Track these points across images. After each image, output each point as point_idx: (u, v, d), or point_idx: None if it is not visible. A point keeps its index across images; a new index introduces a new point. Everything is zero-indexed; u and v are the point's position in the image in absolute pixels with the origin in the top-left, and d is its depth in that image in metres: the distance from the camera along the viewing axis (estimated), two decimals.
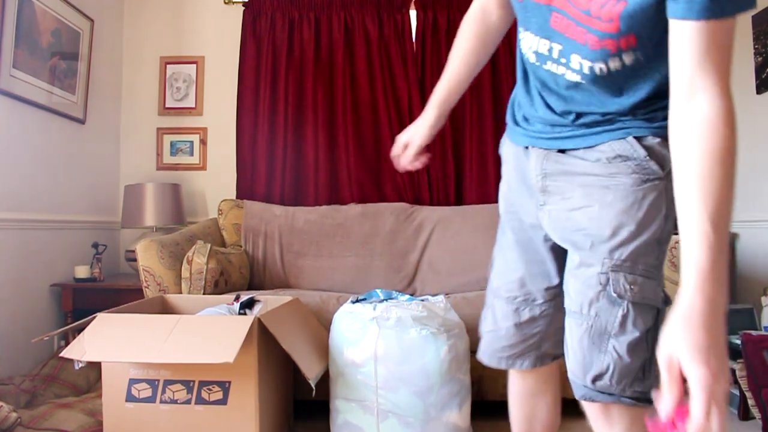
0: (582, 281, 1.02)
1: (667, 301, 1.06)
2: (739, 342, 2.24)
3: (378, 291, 2.08)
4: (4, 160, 2.50)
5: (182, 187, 3.31)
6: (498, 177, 3.22)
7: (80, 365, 1.72)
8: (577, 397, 1.05)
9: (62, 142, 2.92)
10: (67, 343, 2.40)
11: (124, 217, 3.14)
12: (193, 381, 1.77)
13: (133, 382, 1.79)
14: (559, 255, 1.13)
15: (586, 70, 0.95)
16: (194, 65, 3.48)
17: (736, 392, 2.32)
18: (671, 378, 0.75)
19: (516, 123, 1.17)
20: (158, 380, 1.78)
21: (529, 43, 1.05)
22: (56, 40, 2.81)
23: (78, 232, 3.03)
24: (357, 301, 2.00)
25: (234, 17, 3.43)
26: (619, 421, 1.01)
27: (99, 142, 3.25)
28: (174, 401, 1.77)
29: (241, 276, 2.72)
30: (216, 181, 3.44)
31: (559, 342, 1.13)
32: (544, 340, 1.18)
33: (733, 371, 2.27)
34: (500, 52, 3.34)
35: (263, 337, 1.77)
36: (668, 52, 0.83)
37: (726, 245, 0.79)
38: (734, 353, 2.30)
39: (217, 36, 3.48)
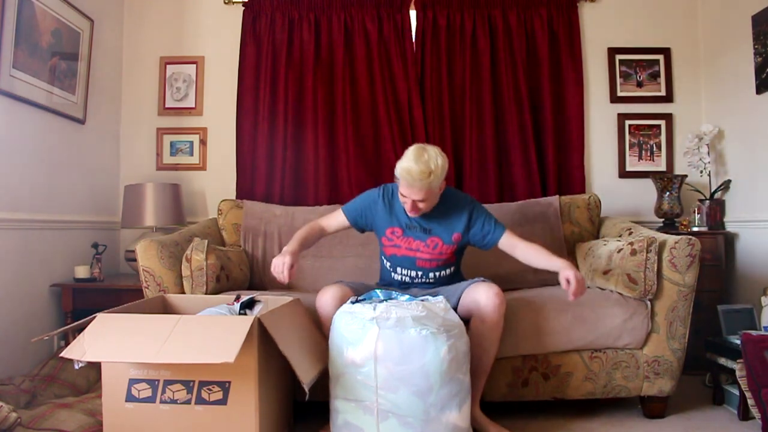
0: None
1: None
2: (739, 342, 2.24)
3: (378, 291, 2.08)
4: (4, 160, 2.50)
5: (182, 187, 3.32)
6: (497, 178, 3.30)
7: (80, 365, 1.72)
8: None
9: (62, 142, 2.92)
10: (67, 343, 2.40)
11: (124, 217, 3.14)
12: (193, 381, 1.77)
13: (133, 382, 1.79)
14: None
15: (438, 276, 2.32)
16: (194, 65, 3.48)
17: (736, 392, 2.32)
18: (570, 281, 2.00)
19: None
20: (158, 380, 1.78)
21: (404, 273, 2.32)
22: (56, 40, 2.81)
23: (78, 232, 3.03)
24: (357, 301, 2.00)
25: (234, 17, 3.43)
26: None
27: (99, 142, 3.25)
28: (174, 401, 1.77)
29: (242, 272, 2.72)
30: (216, 181, 3.44)
31: None
32: None
33: (733, 371, 2.27)
34: (500, 54, 3.34)
35: (263, 338, 1.77)
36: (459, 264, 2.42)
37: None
38: (734, 353, 2.30)
39: (217, 36, 3.48)
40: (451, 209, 2.26)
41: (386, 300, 2.02)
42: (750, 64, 2.96)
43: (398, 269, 2.32)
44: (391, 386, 1.81)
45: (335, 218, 2.36)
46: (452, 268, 2.33)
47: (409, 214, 2.22)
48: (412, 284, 2.32)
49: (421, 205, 2.14)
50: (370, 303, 1.95)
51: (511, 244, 2.23)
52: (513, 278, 2.82)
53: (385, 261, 2.37)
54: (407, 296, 2.08)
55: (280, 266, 2.07)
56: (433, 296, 2.11)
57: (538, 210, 2.97)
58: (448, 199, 2.26)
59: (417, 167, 2.04)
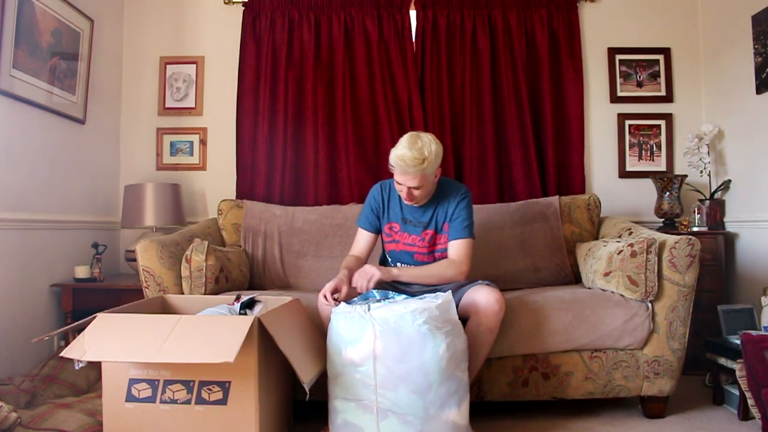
0: None
1: None
2: (739, 342, 2.24)
3: (374, 291, 2.08)
4: (4, 160, 2.50)
5: (182, 187, 3.32)
6: (497, 178, 3.28)
7: (80, 365, 1.72)
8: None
9: (62, 142, 2.92)
10: (67, 343, 2.40)
11: (124, 217, 3.14)
12: (193, 381, 1.77)
13: (133, 382, 1.79)
14: None
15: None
16: (194, 65, 3.48)
17: (736, 392, 2.32)
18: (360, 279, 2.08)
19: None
20: (158, 380, 1.78)
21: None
22: (56, 40, 2.81)
23: (78, 232, 3.03)
24: (353, 301, 1.99)
25: (234, 17, 3.44)
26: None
27: (99, 142, 3.25)
28: (174, 401, 1.77)
29: (241, 273, 2.72)
30: (216, 181, 3.44)
31: None
32: None
33: (733, 371, 2.27)
34: (500, 54, 3.34)
35: (263, 338, 1.77)
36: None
37: (406, 279, 2.19)
38: (734, 353, 2.30)
39: (217, 36, 3.48)
40: (444, 200, 2.27)
41: (383, 299, 2.02)
42: (750, 64, 2.96)
43: (398, 265, 2.32)
44: (390, 385, 1.81)
45: (360, 239, 2.36)
46: None
47: (405, 202, 2.23)
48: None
49: (416, 192, 2.15)
50: (367, 302, 1.95)
51: (450, 250, 2.23)
52: (514, 278, 2.82)
53: (387, 257, 2.38)
54: (403, 295, 2.08)
55: (326, 291, 2.04)
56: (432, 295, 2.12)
57: (537, 210, 2.97)
58: (443, 190, 2.29)
59: (410, 154, 2.06)
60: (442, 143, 3.27)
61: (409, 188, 2.14)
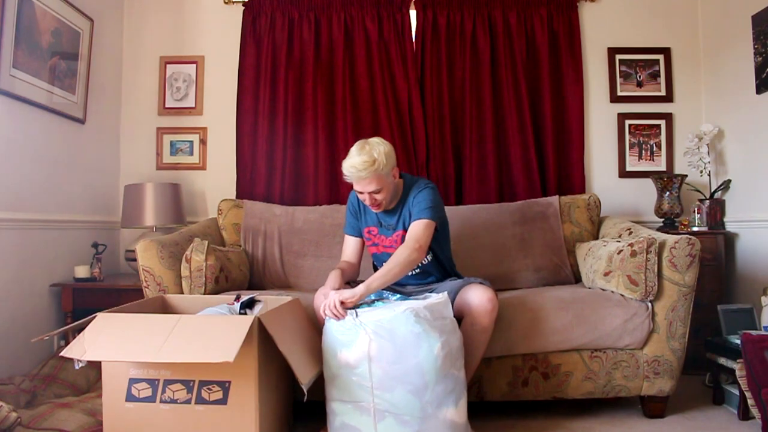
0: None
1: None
2: (739, 342, 2.24)
3: None
4: (4, 160, 2.50)
5: (182, 186, 3.32)
6: (497, 178, 3.28)
7: (80, 365, 1.72)
8: None
9: (62, 142, 2.92)
10: (67, 343, 2.40)
11: (124, 217, 3.14)
12: (193, 381, 1.77)
13: (133, 381, 1.79)
14: None
15: (420, 264, 2.26)
16: (194, 65, 3.48)
17: (736, 392, 2.32)
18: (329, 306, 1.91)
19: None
20: (158, 380, 1.78)
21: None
22: (56, 40, 2.81)
23: (78, 232, 3.03)
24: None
25: (234, 17, 3.43)
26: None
27: (99, 142, 3.25)
28: (174, 401, 1.77)
29: (241, 273, 2.73)
30: (216, 180, 3.44)
31: None
32: None
33: (733, 371, 2.27)
34: (500, 54, 3.34)
35: (263, 337, 1.77)
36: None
37: (376, 286, 1.99)
38: (734, 353, 2.30)
39: (217, 36, 3.48)
40: (408, 198, 2.23)
41: (376, 300, 2.02)
42: (750, 64, 2.96)
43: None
44: (386, 386, 1.80)
45: (347, 246, 2.38)
46: (429, 256, 2.27)
47: (372, 209, 2.23)
48: (403, 280, 2.28)
49: (378, 196, 2.15)
50: (361, 303, 1.95)
51: (408, 232, 2.13)
52: (513, 277, 2.82)
53: (373, 260, 2.39)
54: (397, 296, 2.08)
55: (331, 304, 1.90)
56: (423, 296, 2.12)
57: (537, 210, 2.97)
58: (408, 189, 2.26)
59: (359, 158, 2.08)
60: (441, 143, 3.34)
61: (370, 195, 2.14)
